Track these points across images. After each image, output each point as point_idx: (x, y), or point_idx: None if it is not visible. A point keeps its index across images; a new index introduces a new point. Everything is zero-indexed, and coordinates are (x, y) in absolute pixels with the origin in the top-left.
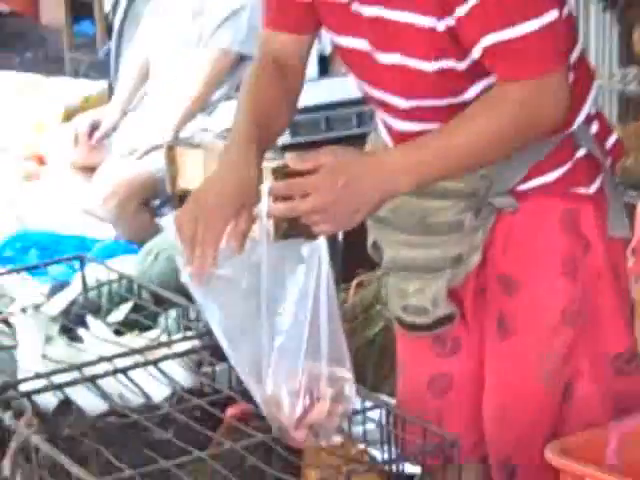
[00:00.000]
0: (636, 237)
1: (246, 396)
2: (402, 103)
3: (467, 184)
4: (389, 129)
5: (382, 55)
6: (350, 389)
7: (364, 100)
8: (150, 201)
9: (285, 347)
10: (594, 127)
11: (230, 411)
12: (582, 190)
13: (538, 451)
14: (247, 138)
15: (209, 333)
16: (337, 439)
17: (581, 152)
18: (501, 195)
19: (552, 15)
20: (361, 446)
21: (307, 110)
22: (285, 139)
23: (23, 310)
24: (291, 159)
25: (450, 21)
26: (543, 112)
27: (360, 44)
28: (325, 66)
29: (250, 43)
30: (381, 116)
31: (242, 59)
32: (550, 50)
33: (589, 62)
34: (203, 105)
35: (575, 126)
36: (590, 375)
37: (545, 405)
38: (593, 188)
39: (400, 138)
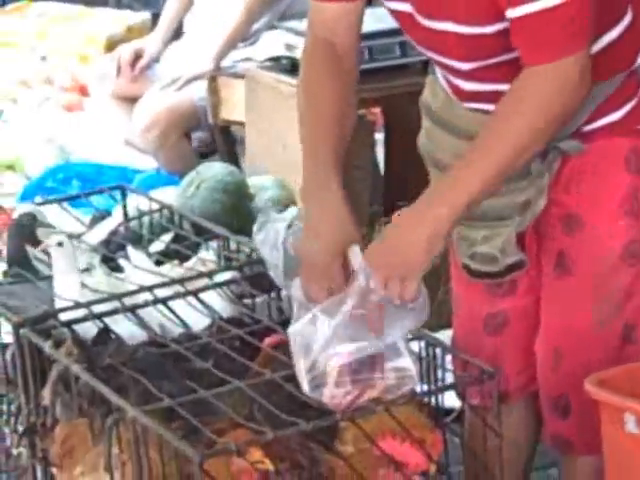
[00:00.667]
0: None
1: (285, 327)
2: (462, 65)
3: None
4: (450, 84)
5: (432, 22)
6: (410, 383)
7: None
8: (191, 131)
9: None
10: None
11: (268, 340)
12: None
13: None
14: (327, 170)
15: (250, 264)
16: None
17: None
18: (567, 138)
19: None
20: None
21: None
22: None
23: (59, 242)
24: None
25: None
26: (566, 97)
27: (405, 7)
28: None
29: None
30: (442, 72)
31: None
32: (571, 31)
33: None
34: (245, 34)
35: (638, 63)
36: None
37: (601, 346)
38: None
39: (465, 96)
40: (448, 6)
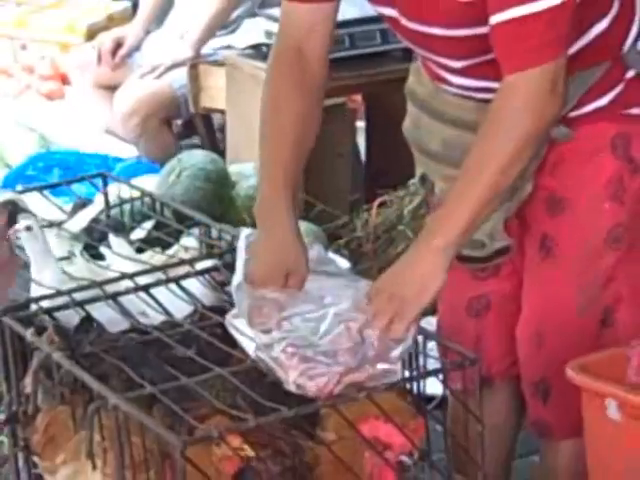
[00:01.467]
0: None
1: None
2: (454, 63)
3: None
4: (439, 77)
5: (419, 26)
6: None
7: None
8: (172, 119)
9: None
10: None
11: None
12: (635, 110)
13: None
14: (280, 195)
15: (231, 251)
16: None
17: (631, 72)
18: (555, 125)
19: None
20: None
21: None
22: None
23: (27, 226)
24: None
25: None
26: (540, 107)
27: (390, 12)
28: None
29: None
30: (434, 69)
31: None
32: (546, 39)
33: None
34: (224, 21)
35: (625, 49)
36: (630, 301)
37: (582, 330)
38: None
39: (455, 87)
40: (431, 11)
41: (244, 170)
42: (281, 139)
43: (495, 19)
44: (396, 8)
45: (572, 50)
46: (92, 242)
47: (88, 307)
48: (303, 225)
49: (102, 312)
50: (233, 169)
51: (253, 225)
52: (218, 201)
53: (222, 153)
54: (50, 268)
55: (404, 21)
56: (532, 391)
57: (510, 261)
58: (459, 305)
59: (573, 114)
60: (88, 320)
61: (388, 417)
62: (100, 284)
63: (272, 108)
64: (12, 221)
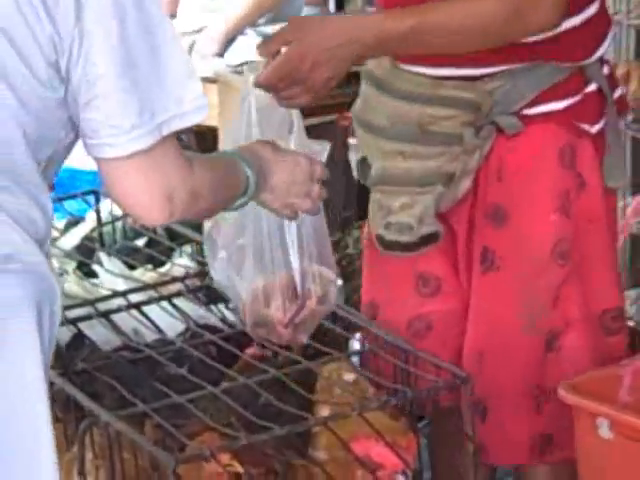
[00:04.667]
0: None
1: None
2: None
3: (473, 95)
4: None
5: None
6: (334, 291)
7: None
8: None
9: (276, 245)
10: (605, 70)
11: (250, 350)
12: (585, 126)
13: (514, 397)
14: None
15: None
16: (351, 376)
17: (591, 87)
18: (505, 115)
19: None
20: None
21: None
22: None
23: None
24: (258, 48)
25: None
26: (530, 6)
27: None
28: (341, 3)
29: None
30: None
31: None
32: None
33: (607, 8)
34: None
35: (592, 59)
36: (580, 327)
37: (525, 349)
38: (596, 128)
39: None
40: None
41: None
42: None
43: None
44: None
45: (558, 30)
46: (84, 260)
47: (80, 325)
48: None
49: (94, 330)
50: None
51: None
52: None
53: None
54: None
55: None
56: (472, 411)
57: (455, 277)
58: (399, 323)
59: (525, 111)
60: (80, 338)
61: (380, 436)
62: (92, 302)
63: None
64: None
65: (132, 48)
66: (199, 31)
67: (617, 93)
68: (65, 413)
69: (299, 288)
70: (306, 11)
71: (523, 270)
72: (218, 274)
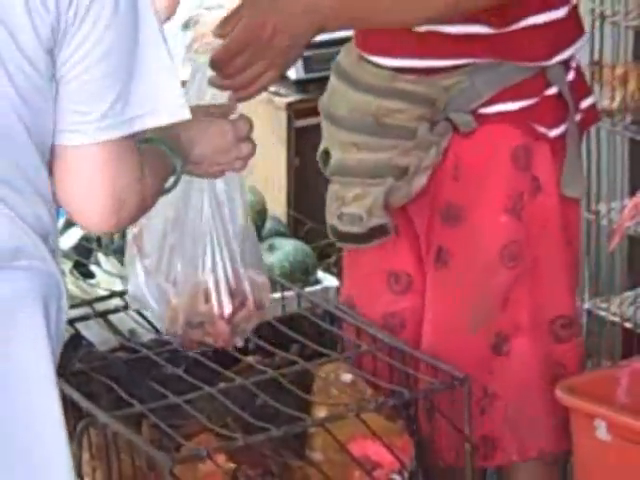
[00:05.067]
0: None
1: (257, 333)
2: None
3: (429, 90)
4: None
5: None
6: (268, 297)
7: None
8: None
9: (204, 248)
10: (570, 76)
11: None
12: (542, 129)
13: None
14: None
15: None
16: (348, 377)
17: (551, 91)
18: (461, 112)
19: None
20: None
21: (320, 45)
22: (299, 74)
23: None
24: (215, 27)
25: None
26: None
27: None
28: None
29: None
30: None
31: None
32: None
33: (580, 15)
34: None
35: (552, 61)
36: (529, 332)
37: (472, 349)
38: (555, 132)
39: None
40: None
41: None
42: None
43: None
44: None
45: (518, 26)
46: (82, 260)
47: (77, 325)
48: (292, 243)
49: (91, 330)
50: None
51: None
52: None
53: None
54: None
55: None
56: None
57: (424, 274)
58: (374, 320)
59: (481, 111)
60: (77, 338)
61: (377, 436)
62: (90, 302)
63: None
64: None
65: (117, 37)
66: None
67: (587, 101)
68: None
69: (234, 290)
70: None
71: (472, 270)
72: (138, 285)
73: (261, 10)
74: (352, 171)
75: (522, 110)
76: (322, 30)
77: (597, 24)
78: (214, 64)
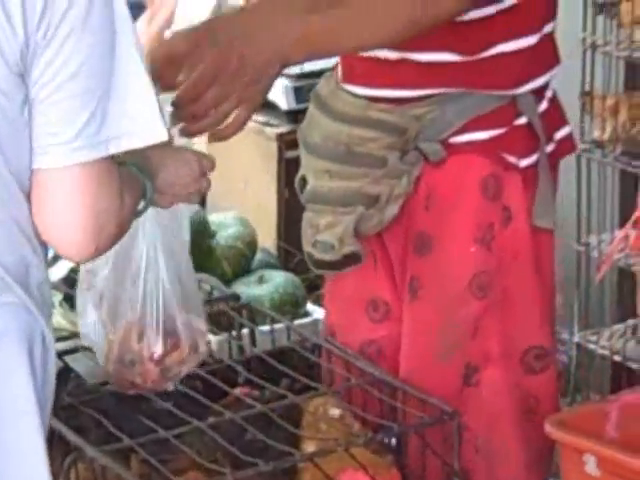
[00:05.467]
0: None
1: (246, 366)
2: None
3: (400, 120)
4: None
5: None
6: (204, 342)
7: None
8: None
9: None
10: (543, 106)
11: (241, 390)
12: (512, 159)
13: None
14: None
15: (209, 302)
16: (337, 412)
17: (521, 120)
18: (431, 142)
19: None
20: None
21: (312, 75)
22: (290, 104)
23: None
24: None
25: None
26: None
27: None
28: None
29: None
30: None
31: None
32: None
33: (556, 45)
34: None
35: (522, 90)
36: (500, 363)
37: (442, 379)
38: (525, 162)
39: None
40: None
41: (224, 219)
42: None
43: None
44: None
45: (486, 54)
46: (71, 292)
47: (67, 358)
48: (282, 275)
49: (80, 362)
50: (213, 218)
51: (233, 275)
52: (197, 250)
53: (202, 202)
54: None
55: None
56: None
57: (400, 302)
58: (352, 347)
59: (451, 140)
60: (66, 371)
61: (366, 470)
62: (78, 334)
63: None
64: None
65: (89, 55)
66: None
67: (562, 132)
68: (50, 448)
69: (167, 332)
70: None
71: (442, 300)
72: (89, 327)
73: (224, 42)
74: (324, 199)
75: (492, 139)
76: (287, 60)
77: (588, 54)
78: (180, 103)
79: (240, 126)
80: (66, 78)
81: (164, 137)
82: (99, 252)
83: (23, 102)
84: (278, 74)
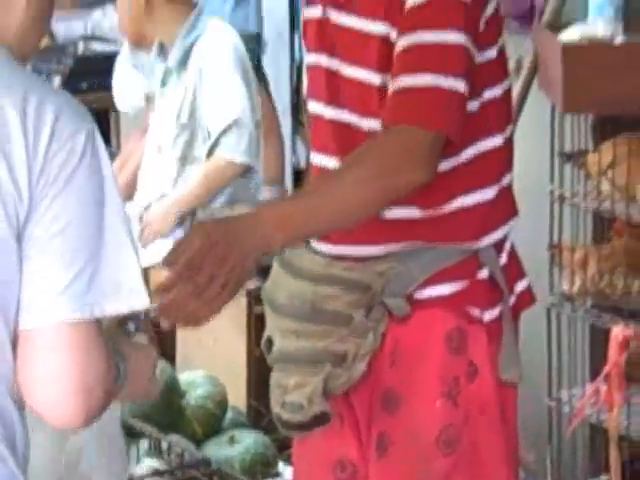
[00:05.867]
0: (610, 362)
1: None
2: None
3: (363, 276)
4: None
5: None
6: None
7: None
8: (127, 322)
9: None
10: (503, 259)
11: None
12: (476, 312)
13: None
14: None
15: (181, 468)
16: None
17: (483, 274)
18: (395, 297)
19: (457, 84)
20: None
21: None
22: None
23: None
24: (164, 260)
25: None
26: (402, 168)
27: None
28: (298, 180)
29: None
30: None
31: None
32: (444, 105)
33: (514, 197)
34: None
35: (482, 243)
36: None
37: None
38: (489, 316)
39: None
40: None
41: (194, 378)
42: None
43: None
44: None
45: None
46: None
47: None
48: (252, 435)
49: None
50: (183, 377)
51: (204, 435)
52: (168, 410)
53: (172, 360)
54: None
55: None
56: None
57: (367, 462)
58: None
59: (415, 296)
60: None
61: None
62: None
63: None
64: None
65: (80, 212)
66: (147, 208)
67: (521, 284)
68: None
69: None
70: (263, 192)
71: (410, 456)
72: None
73: (212, 232)
74: (291, 358)
75: (455, 293)
76: (268, 247)
77: (556, 206)
78: (168, 287)
79: (219, 307)
80: (56, 232)
81: (146, 304)
82: (88, 421)
83: (19, 260)
84: (260, 260)
